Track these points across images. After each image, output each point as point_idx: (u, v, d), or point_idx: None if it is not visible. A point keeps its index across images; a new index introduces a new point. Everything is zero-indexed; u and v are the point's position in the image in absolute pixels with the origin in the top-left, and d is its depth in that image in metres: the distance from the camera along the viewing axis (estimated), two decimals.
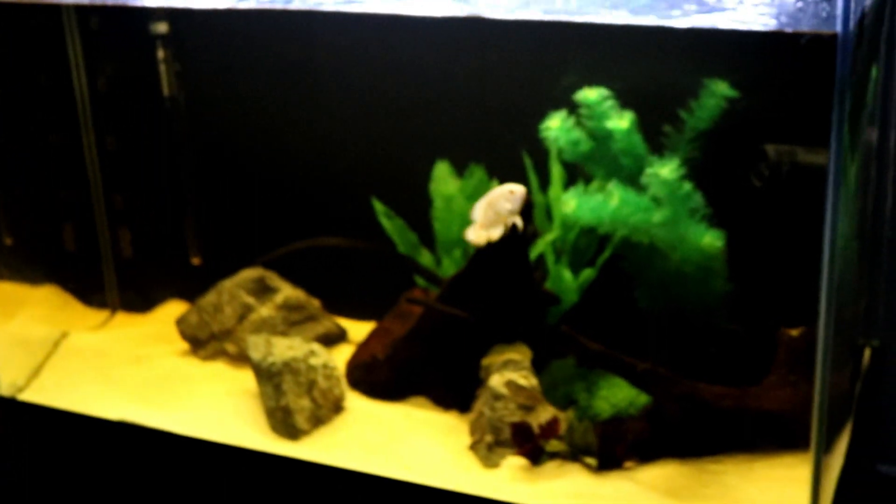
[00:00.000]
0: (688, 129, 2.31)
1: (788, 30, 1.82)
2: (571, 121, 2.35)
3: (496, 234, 2.31)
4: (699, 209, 2.26)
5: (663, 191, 2.24)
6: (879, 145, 2.39)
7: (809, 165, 2.27)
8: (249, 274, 2.76)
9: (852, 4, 1.68)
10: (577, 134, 2.35)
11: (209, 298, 2.75)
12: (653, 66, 2.34)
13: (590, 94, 2.33)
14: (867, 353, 2.52)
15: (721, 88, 2.27)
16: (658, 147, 2.34)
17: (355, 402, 2.49)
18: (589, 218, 2.30)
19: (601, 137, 2.34)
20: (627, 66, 2.35)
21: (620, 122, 2.31)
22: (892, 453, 2.63)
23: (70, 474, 2.55)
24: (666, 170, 2.24)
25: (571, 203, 2.29)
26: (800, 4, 1.82)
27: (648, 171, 2.25)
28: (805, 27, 1.80)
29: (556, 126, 2.35)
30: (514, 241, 2.35)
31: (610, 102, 2.32)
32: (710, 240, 2.25)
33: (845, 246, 1.97)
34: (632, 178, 2.31)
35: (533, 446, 2.20)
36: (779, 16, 1.85)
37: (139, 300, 3.03)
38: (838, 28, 1.68)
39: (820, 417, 1.88)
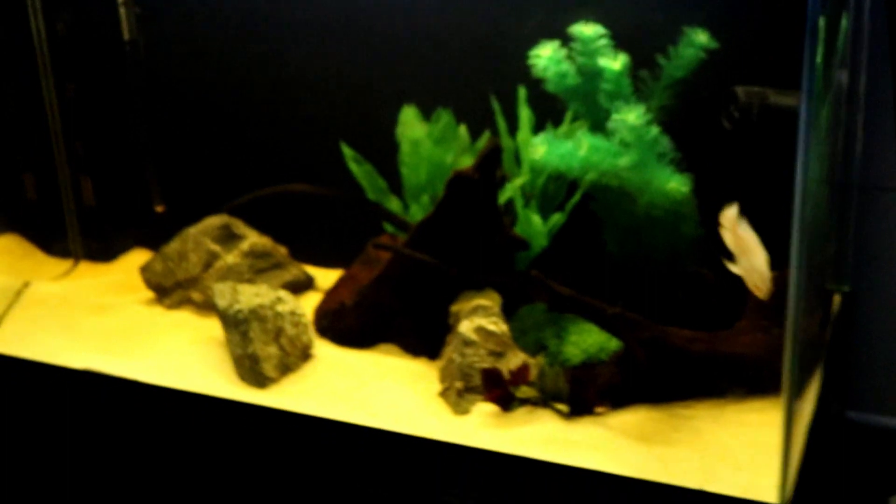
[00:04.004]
0: (664, 76, 2.29)
1: None
2: (562, 52, 2.32)
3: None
4: (667, 154, 2.24)
5: (630, 136, 2.22)
6: (849, 89, 2.37)
7: (780, 107, 2.25)
8: (214, 221, 2.73)
9: None
10: (567, 66, 2.32)
11: (174, 246, 2.72)
12: (617, 4, 2.31)
13: (585, 30, 2.30)
14: (837, 299, 2.52)
15: (700, 38, 2.24)
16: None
17: (323, 350, 2.47)
18: (558, 164, 2.28)
19: (589, 74, 2.31)
20: (592, 4, 2.33)
21: (613, 62, 2.27)
22: (862, 400, 2.64)
23: (35, 424, 2.52)
24: (632, 115, 2.22)
25: (541, 149, 2.27)
26: None
27: (615, 116, 2.23)
28: None
29: (546, 55, 2.32)
30: (483, 186, 2.33)
31: (605, 41, 2.29)
32: (676, 185, 2.23)
33: (816, 190, 1.96)
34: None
35: (503, 392, 2.19)
36: None
37: (102, 249, 3.00)
38: None
39: (791, 362, 1.87)
